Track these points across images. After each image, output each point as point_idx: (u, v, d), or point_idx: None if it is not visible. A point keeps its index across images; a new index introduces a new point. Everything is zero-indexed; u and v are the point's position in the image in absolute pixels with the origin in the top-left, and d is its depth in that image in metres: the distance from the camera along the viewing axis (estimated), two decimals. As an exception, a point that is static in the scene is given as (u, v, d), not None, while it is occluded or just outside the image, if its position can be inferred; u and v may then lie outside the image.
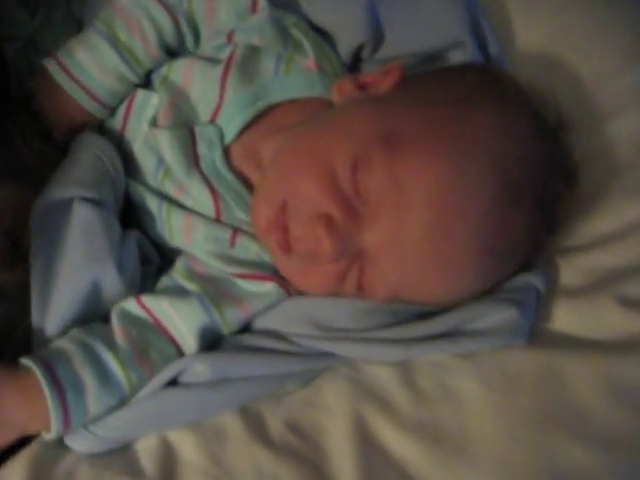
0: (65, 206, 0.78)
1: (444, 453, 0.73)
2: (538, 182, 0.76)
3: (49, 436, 0.74)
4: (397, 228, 0.72)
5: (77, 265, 0.76)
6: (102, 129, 0.86)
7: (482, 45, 0.90)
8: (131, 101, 0.85)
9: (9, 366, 0.74)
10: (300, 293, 0.80)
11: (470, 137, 0.73)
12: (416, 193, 0.71)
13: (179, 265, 0.82)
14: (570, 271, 0.83)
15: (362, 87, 0.81)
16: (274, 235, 0.75)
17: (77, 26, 0.93)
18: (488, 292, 0.79)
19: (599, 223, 0.85)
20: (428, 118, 0.74)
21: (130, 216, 0.83)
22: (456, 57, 0.89)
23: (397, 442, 0.74)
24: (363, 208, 0.73)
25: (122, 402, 0.76)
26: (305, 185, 0.74)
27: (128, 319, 0.78)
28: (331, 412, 0.76)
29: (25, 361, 0.73)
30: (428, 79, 0.81)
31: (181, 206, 0.82)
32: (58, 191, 0.78)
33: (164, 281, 0.82)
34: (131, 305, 0.79)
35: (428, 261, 0.73)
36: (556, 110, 0.83)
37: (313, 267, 0.76)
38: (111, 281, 0.77)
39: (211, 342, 0.80)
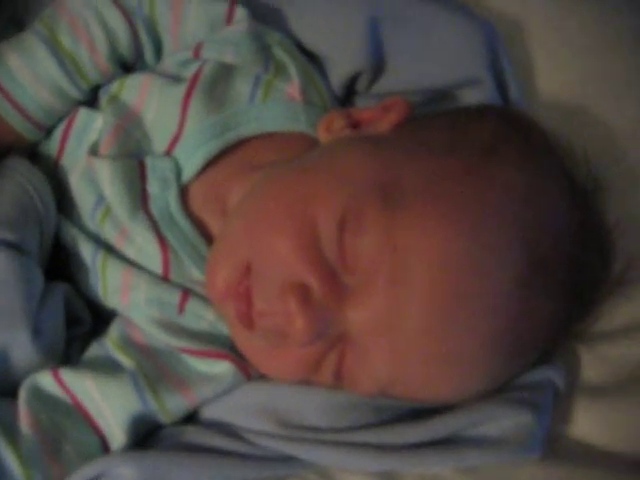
0: None
1: None
2: (570, 260, 0.62)
3: None
4: (391, 310, 0.57)
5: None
6: (33, 154, 0.73)
7: (500, 87, 0.76)
8: (71, 122, 0.72)
9: None
10: (262, 377, 0.66)
11: (491, 199, 0.59)
12: (418, 267, 0.56)
13: (114, 330, 0.68)
14: (594, 364, 0.73)
15: (356, 125, 0.68)
16: (234, 304, 0.60)
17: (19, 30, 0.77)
18: (497, 389, 0.65)
19: (630, 306, 0.73)
20: (438, 170, 0.59)
21: (59, 265, 0.69)
22: (471, 97, 0.76)
23: None
24: (349, 280, 0.58)
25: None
26: (277, 244, 0.59)
27: (40, 399, 0.63)
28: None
29: None
30: (438, 121, 0.66)
31: (121, 257, 0.66)
32: None
33: (94, 349, 0.68)
34: (46, 380, 0.64)
35: (429, 354, 0.58)
36: (587, 168, 0.70)
37: (280, 349, 0.61)
38: (22, 348, 0.63)
39: (145, 433, 0.64)
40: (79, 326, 0.69)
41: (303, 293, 0.57)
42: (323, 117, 0.68)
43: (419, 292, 0.56)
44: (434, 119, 0.67)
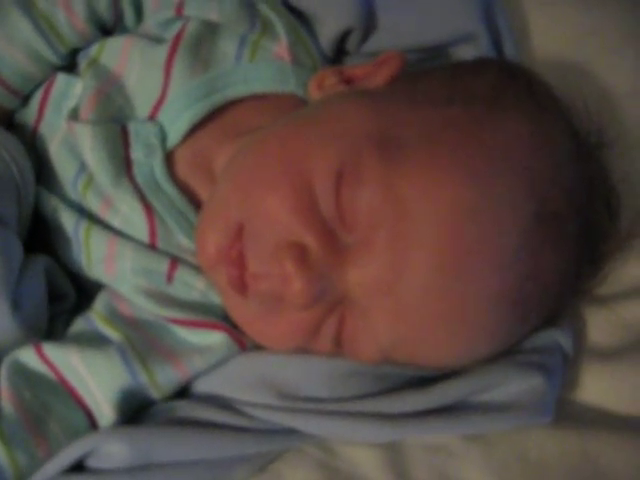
0: None
1: None
2: (580, 215, 0.59)
3: None
4: (394, 267, 0.54)
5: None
6: (10, 124, 0.69)
7: (496, 43, 0.73)
8: (49, 88, 0.69)
9: None
10: (257, 347, 0.63)
11: (497, 147, 0.55)
12: (423, 219, 0.53)
13: (99, 303, 0.64)
14: (603, 326, 0.70)
15: (348, 81, 0.64)
16: (225, 269, 0.57)
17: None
18: (504, 353, 0.62)
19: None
20: (439, 120, 0.56)
21: (39, 237, 0.66)
22: (465, 54, 0.73)
23: None
24: (348, 238, 0.55)
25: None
26: (270, 202, 0.56)
27: (22, 375, 0.60)
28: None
29: None
30: (435, 74, 0.63)
31: (105, 226, 0.63)
32: None
33: (78, 324, 0.64)
34: (29, 356, 0.60)
35: (434, 313, 0.55)
36: (589, 122, 0.67)
37: (276, 314, 0.57)
38: (1, 322, 0.59)
39: (135, 409, 0.61)
40: (62, 301, 0.65)
41: (300, 253, 0.54)
42: (314, 75, 0.65)
43: (424, 246, 0.53)
44: (430, 72, 0.64)
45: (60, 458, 0.57)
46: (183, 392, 0.63)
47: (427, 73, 0.63)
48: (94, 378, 0.59)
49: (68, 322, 0.64)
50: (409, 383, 0.62)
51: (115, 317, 0.63)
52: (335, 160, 0.55)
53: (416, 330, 0.56)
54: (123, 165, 0.64)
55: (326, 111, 0.60)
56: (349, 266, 0.55)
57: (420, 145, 0.55)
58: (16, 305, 0.59)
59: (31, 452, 0.57)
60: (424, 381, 0.62)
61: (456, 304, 0.55)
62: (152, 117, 0.65)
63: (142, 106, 0.66)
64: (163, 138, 0.64)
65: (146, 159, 0.64)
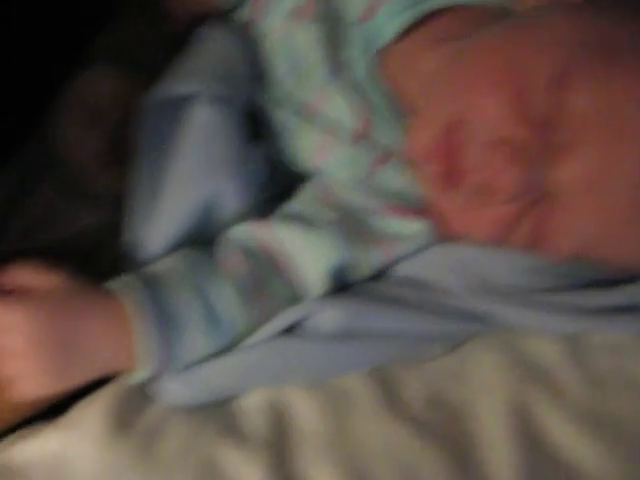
0: (183, 104, 0.64)
1: (627, 454, 0.58)
2: None
3: (137, 377, 0.60)
4: (604, 164, 0.57)
5: (192, 175, 0.63)
6: (226, 22, 0.74)
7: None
8: None
9: (99, 287, 0.60)
10: (452, 240, 0.65)
11: None
12: (635, 121, 0.55)
13: (307, 192, 0.69)
14: None
15: None
16: (437, 162, 0.61)
17: None
18: None
19: None
20: None
21: (250, 129, 0.70)
22: None
23: (568, 437, 0.59)
24: (560, 137, 0.58)
25: (230, 345, 0.62)
26: (487, 102, 0.59)
27: (244, 247, 0.65)
28: (484, 391, 0.62)
29: (120, 282, 0.60)
30: None
31: (316, 120, 0.67)
32: (177, 85, 0.65)
33: (287, 209, 0.68)
34: (249, 230, 0.65)
35: (638, 212, 0.57)
36: None
37: (482, 206, 0.61)
38: (231, 199, 0.64)
39: (339, 287, 0.65)
40: (270, 189, 0.70)
41: (513, 147, 0.58)
42: None
43: (634, 148, 0.56)
44: None
45: (279, 320, 0.62)
46: (377, 277, 0.67)
47: None
48: (312, 253, 0.63)
49: (273, 209, 0.68)
50: (595, 283, 0.64)
51: (324, 203, 0.67)
52: (552, 65, 0.58)
53: (617, 226, 0.58)
54: (339, 62, 0.68)
55: (540, 20, 0.62)
56: (558, 163, 0.58)
57: (633, 56, 0.58)
58: (243, 185, 0.65)
59: (255, 311, 0.62)
60: (609, 283, 0.64)
61: None
62: (364, 20, 0.69)
63: (355, 9, 0.69)
64: (375, 40, 0.69)
65: (359, 58, 0.68)
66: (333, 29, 0.69)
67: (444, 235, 0.66)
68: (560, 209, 0.59)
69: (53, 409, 0.62)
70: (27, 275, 0.59)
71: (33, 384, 0.58)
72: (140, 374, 0.60)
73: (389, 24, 0.68)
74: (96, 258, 0.65)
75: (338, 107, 0.67)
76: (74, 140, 0.66)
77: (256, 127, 0.71)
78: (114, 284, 0.60)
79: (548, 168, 0.58)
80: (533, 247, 0.62)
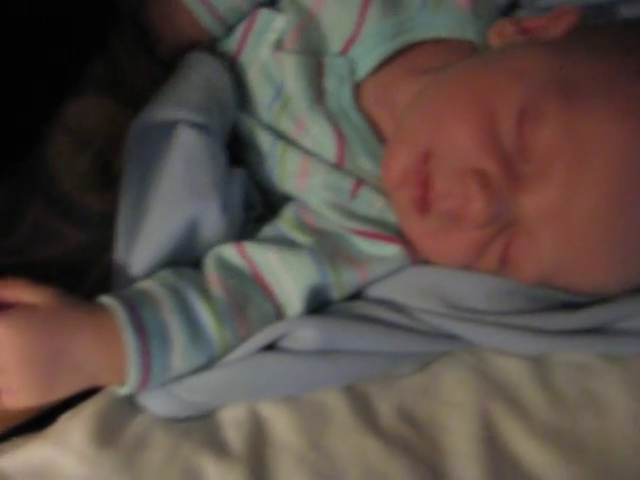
0: (167, 129, 0.67)
1: (585, 469, 0.62)
2: None
3: (122, 390, 0.63)
4: (564, 196, 0.60)
5: (176, 197, 0.66)
6: (213, 51, 0.77)
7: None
8: (251, 22, 0.76)
9: (86, 303, 0.63)
10: (425, 262, 0.69)
11: None
12: (596, 155, 0.60)
13: (287, 214, 0.72)
14: None
15: (525, 32, 0.70)
16: (410, 189, 0.64)
17: None
18: None
19: None
20: (614, 71, 0.62)
21: (234, 153, 0.73)
22: (628, 13, 0.76)
23: (531, 451, 0.63)
24: (525, 168, 0.62)
25: (210, 362, 0.65)
26: (458, 132, 0.63)
27: (225, 267, 0.67)
28: (452, 406, 0.65)
29: (105, 299, 0.63)
30: (608, 30, 0.68)
31: (298, 146, 0.71)
32: (161, 111, 0.68)
33: (267, 231, 0.71)
34: (230, 252, 0.68)
35: (597, 240, 0.61)
36: None
37: (451, 232, 0.64)
38: (213, 220, 0.67)
39: (316, 306, 0.69)
40: (251, 211, 0.73)
41: (482, 177, 0.61)
42: (494, 25, 0.71)
43: (595, 178, 0.59)
44: (603, 29, 0.70)
45: (258, 337, 0.64)
46: (355, 297, 0.69)
47: (601, 29, 0.69)
48: (289, 274, 0.66)
49: (255, 230, 0.71)
50: (560, 306, 0.67)
51: (303, 225, 0.69)
52: (519, 97, 0.61)
53: (577, 256, 0.62)
54: (317, 92, 0.71)
55: (509, 55, 0.66)
56: (524, 192, 0.61)
57: (598, 91, 0.61)
58: (225, 206, 0.68)
59: (235, 330, 0.64)
60: (573, 306, 0.67)
61: (617, 234, 0.60)
62: (344, 52, 0.73)
63: (335, 42, 0.73)
64: (352, 71, 0.72)
65: (337, 89, 0.71)
66: (315, 59, 0.72)
67: (417, 258, 0.69)
68: (526, 237, 0.63)
69: (39, 420, 0.65)
70: (16, 291, 0.62)
71: (20, 397, 0.60)
72: (125, 388, 0.62)
73: (368, 56, 0.72)
74: (84, 276, 0.68)
75: (318, 134, 0.71)
76: (62, 164, 0.69)
77: (241, 151, 0.74)
78: (101, 301, 0.63)
79: (516, 197, 0.62)
80: (501, 271, 0.66)
